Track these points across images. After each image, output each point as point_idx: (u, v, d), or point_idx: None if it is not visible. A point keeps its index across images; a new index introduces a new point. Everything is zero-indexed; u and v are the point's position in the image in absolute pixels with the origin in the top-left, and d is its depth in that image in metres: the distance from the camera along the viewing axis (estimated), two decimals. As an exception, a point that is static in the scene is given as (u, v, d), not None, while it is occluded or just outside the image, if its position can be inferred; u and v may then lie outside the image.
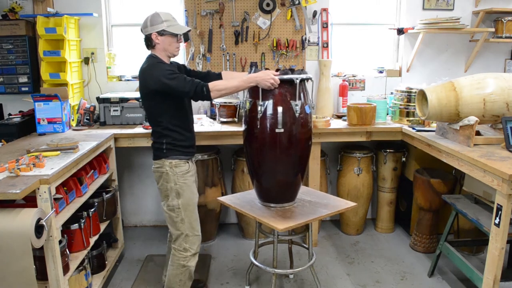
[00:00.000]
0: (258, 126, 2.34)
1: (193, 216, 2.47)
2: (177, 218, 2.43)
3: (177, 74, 2.31)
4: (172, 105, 2.40)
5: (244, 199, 2.65)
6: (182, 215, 2.43)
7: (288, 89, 2.33)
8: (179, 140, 2.42)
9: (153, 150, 2.47)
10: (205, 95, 2.29)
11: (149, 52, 2.46)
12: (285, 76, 2.30)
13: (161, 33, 2.35)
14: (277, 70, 2.36)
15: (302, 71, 2.37)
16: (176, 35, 2.39)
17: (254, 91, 2.36)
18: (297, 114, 2.32)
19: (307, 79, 2.37)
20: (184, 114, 2.47)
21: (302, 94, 2.34)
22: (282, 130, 2.30)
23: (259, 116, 2.32)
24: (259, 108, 2.32)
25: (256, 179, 2.52)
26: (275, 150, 2.36)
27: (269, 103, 2.32)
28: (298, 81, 2.29)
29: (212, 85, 2.30)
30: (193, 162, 2.58)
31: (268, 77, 2.27)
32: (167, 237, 2.74)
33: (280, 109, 2.29)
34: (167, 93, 2.31)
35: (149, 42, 2.40)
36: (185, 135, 2.46)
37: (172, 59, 2.51)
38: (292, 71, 2.34)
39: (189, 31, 2.48)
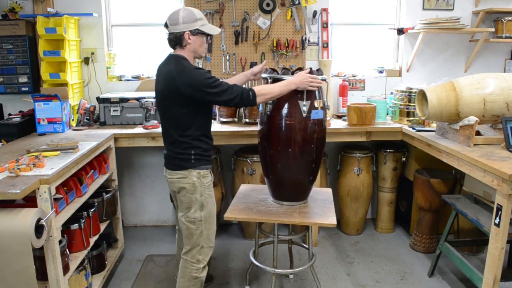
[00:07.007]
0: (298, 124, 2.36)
1: (212, 228, 2.35)
2: (196, 231, 2.27)
3: (218, 81, 2.12)
4: (203, 113, 2.24)
5: (247, 202, 2.63)
6: (202, 227, 2.28)
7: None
8: (206, 150, 2.28)
9: (176, 160, 2.25)
10: (251, 100, 2.16)
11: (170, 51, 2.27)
12: (319, 77, 2.35)
13: (195, 32, 2.16)
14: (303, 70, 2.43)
15: (319, 70, 2.48)
16: (207, 35, 2.24)
17: None
18: (326, 111, 2.45)
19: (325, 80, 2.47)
20: (210, 122, 2.35)
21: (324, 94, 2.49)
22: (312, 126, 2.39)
23: (305, 115, 2.33)
24: (302, 108, 2.32)
25: (272, 178, 2.55)
26: (298, 148, 2.40)
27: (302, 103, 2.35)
28: (327, 81, 2.44)
29: (258, 89, 2.17)
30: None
31: (304, 78, 2.25)
32: (176, 241, 2.68)
33: (315, 106, 2.37)
34: (208, 101, 2.19)
35: (178, 41, 2.17)
36: (210, 144, 2.32)
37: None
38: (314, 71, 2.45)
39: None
